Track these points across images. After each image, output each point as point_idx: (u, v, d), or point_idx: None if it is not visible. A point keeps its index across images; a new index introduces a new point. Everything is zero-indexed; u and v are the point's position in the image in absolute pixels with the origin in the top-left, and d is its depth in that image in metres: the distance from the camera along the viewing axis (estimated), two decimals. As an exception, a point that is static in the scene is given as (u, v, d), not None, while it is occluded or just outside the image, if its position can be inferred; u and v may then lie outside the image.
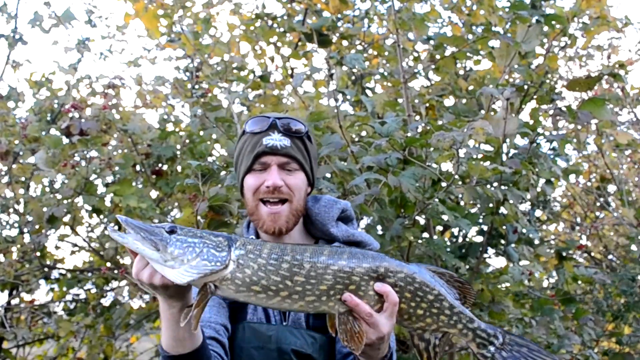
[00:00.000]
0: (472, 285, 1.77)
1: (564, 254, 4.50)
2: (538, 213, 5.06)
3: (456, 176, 3.19)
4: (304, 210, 2.00)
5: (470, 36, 4.59)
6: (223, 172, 3.83)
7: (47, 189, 4.70)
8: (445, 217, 3.63)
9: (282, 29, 5.37)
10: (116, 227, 1.59)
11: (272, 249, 1.60)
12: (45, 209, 4.22)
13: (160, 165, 4.51)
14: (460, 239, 4.36)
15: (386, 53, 5.18)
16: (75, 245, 5.01)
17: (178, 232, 1.54)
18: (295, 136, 1.95)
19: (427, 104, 4.24)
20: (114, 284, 5.02)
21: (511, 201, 3.53)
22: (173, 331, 1.65)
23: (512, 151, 3.78)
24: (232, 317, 1.93)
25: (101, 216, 4.66)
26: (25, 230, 4.63)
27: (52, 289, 5.30)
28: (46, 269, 4.95)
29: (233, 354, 1.89)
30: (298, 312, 1.88)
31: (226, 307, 1.95)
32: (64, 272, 5.11)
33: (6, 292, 5.04)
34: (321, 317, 1.90)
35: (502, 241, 4.00)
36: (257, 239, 1.76)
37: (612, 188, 5.91)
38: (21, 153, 4.65)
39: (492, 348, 1.72)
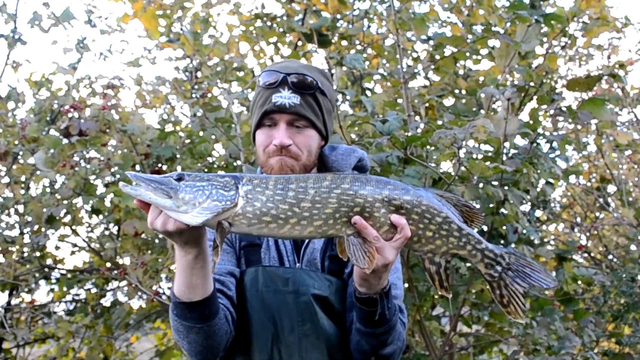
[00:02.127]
0: (479, 210, 1.79)
1: (564, 255, 4.49)
2: (538, 213, 5.05)
3: (457, 175, 3.18)
4: (316, 162, 2.01)
5: (470, 36, 4.59)
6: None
7: (47, 189, 4.70)
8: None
9: (281, 29, 5.36)
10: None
11: (277, 180, 1.64)
12: (45, 210, 4.22)
13: (159, 165, 4.50)
14: (460, 239, 4.34)
15: (385, 53, 5.18)
16: (75, 245, 5.01)
17: (186, 179, 1.59)
18: (306, 93, 1.94)
19: (427, 104, 4.24)
20: (114, 284, 5.02)
21: (512, 201, 3.53)
22: (187, 278, 1.68)
23: (512, 151, 3.78)
24: (246, 260, 1.96)
25: (101, 216, 4.66)
26: (25, 230, 4.62)
27: (52, 290, 5.30)
28: (46, 269, 4.95)
29: (249, 298, 1.90)
30: (308, 238, 1.90)
31: (232, 252, 1.97)
32: (64, 272, 5.11)
33: (6, 292, 5.04)
34: (336, 260, 1.94)
35: (502, 241, 3.99)
36: (262, 174, 1.81)
37: (612, 188, 5.91)
38: (21, 153, 4.64)
39: (499, 268, 1.75)
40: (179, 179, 1.59)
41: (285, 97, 1.91)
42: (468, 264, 3.87)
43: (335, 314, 1.92)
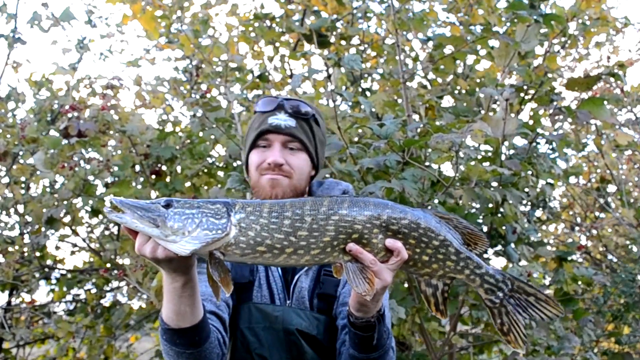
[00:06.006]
0: (484, 232, 1.74)
1: (565, 257, 4.48)
2: (538, 213, 5.05)
3: (455, 177, 3.18)
4: (306, 190, 2.05)
5: (469, 37, 4.58)
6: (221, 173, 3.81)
7: (48, 190, 4.70)
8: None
9: (280, 29, 5.36)
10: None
11: (272, 207, 1.59)
12: (44, 210, 4.22)
13: (159, 165, 4.50)
14: (459, 240, 4.34)
15: (385, 53, 5.17)
16: (75, 245, 5.02)
17: (175, 205, 1.52)
18: (301, 118, 2.01)
19: (427, 105, 4.23)
20: (114, 284, 5.03)
21: (510, 202, 3.52)
22: (175, 305, 1.65)
23: (511, 151, 3.77)
24: (237, 297, 1.95)
25: (100, 217, 4.66)
26: (25, 230, 4.63)
27: (52, 290, 5.31)
28: (46, 269, 4.95)
29: (239, 333, 1.92)
30: (304, 266, 1.89)
31: None
32: (64, 272, 5.12)
33: (6, 292, 5.04)
34: (324, 299, 1.96)
35: (502, 241, 3.99)
36: (255, 200, 1.75)
37: (612, 188, 5.91)
38: (21, 153, 4.64)
39: (500, 294, 1.69)
40: (167, 205, 1.52)
41: (281, 119, 1.98)
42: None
43: (324, 351, 1.92)
